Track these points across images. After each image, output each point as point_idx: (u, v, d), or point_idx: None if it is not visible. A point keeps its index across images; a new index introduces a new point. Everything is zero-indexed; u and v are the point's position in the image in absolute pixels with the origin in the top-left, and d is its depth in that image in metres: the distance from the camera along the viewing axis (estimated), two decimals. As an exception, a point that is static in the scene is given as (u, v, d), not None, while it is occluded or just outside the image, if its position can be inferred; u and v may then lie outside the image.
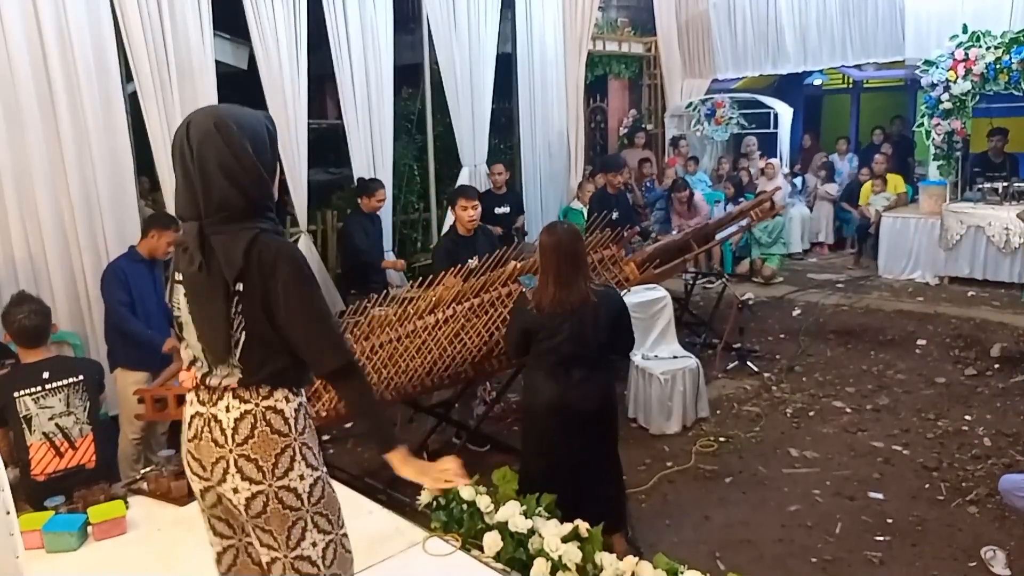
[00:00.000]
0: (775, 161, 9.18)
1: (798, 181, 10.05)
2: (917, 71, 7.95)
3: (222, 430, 1.85)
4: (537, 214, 8.17)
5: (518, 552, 2.71)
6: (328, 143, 7.95)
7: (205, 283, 1.82)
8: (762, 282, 8.22)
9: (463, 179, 7.32)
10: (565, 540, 2.65)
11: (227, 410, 1.86)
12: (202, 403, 1.90)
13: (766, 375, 5.82)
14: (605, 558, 2.63)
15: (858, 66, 9.97)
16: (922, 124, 7.97)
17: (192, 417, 1.93)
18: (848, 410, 5.17)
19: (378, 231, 6.13)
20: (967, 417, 4.95)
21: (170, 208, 5.06)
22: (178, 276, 1.91)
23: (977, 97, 7.53)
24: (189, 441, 1.93)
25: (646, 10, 10.32)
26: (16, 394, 3.24)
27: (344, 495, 3.02)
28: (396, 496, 3.87)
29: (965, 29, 7.44)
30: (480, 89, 7.45)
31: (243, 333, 1.82)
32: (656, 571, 2.58)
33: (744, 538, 3.71)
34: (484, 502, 2.91)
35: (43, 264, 4.70)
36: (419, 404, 4.56)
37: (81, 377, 3.38)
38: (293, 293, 1.82)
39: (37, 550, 2.73)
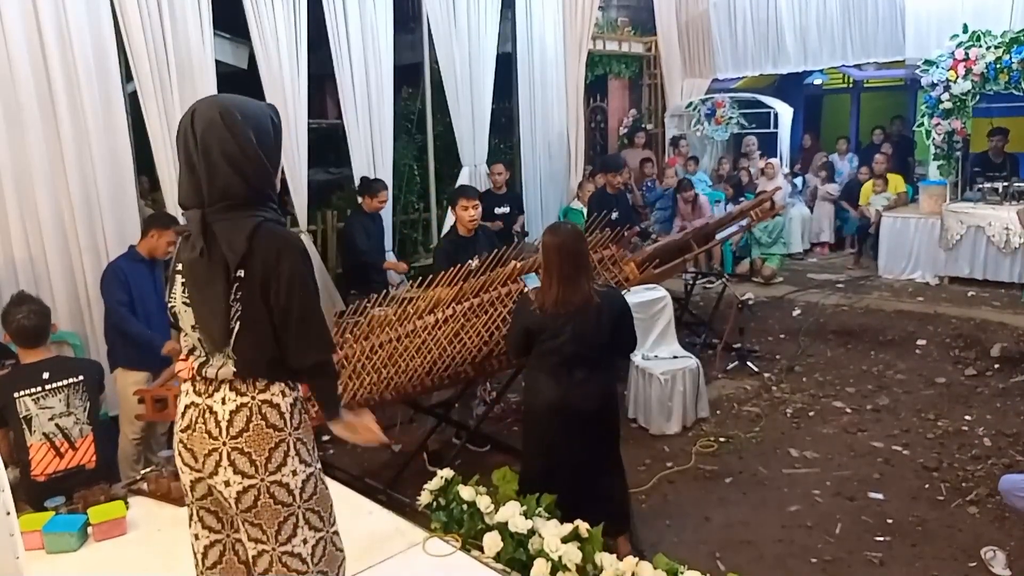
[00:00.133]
0: (775, 161, 9.18)
1: (798, 181, 10.05)
2: (917, 71, 7.95)
3: (217, 422, 1.85)
4: (537, 214, 8.17)
5: (518, 552, 2.71)
6: (328, 143, 7.95)
7: (206, 269, 1.84)
8: (762, 282, 8.22)
9: (463, 179, 7.31)
10: (565, 540, 2.65)
11: (223, 402, 1.86)
12: (198, 394, 1.91)
13: (766, 375, 5.82)
14: (605, 558, 2.63)
15: (858, 66, 9.96)
16: (922, 124, 7.97)
17: (187, 407, 1.93)
18: (848, 410, 5.17)
19: (379, 231, 6.13)
20: (967, 417, 4.95)
21: (170, 208, 5.06)
22: (178, 267, 1.92)
23: (977, 97, 7.53)
24: (182, 431, 1.92)
25: (646, 10, 10.32)
26: (16, 394, 3.24)
27: (344, 495, 3.04)
28: (396, 496, 3.88)
29: (965, 29, 7.44)
30: (480, 89, 7.44)
31: (239, 322, 1.83)
32: (656, 571, 2.58)
33: (744, 538, 3.71)
34: (484, 502, 2.91)
35: (43, 264, 4.69)
36: (419, 404, 4.56)
37: (81, 377, 3.38)
38: (296, 282, 1.83)
39: (37, 551, 2.73)
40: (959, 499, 3.97)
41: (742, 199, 8.38)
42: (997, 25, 7.46)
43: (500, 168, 6.89)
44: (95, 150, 4.82)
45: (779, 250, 8.52)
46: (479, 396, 5.09)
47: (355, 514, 2.92)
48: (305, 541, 1.90)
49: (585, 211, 7.19)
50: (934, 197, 8.01)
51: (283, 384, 1.90)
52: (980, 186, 7.76)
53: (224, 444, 1.84)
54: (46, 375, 3.30)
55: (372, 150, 6.60)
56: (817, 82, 11.94)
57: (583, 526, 2.72)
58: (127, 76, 5.06)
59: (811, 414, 5.13)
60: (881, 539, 3.65)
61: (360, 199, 5.98)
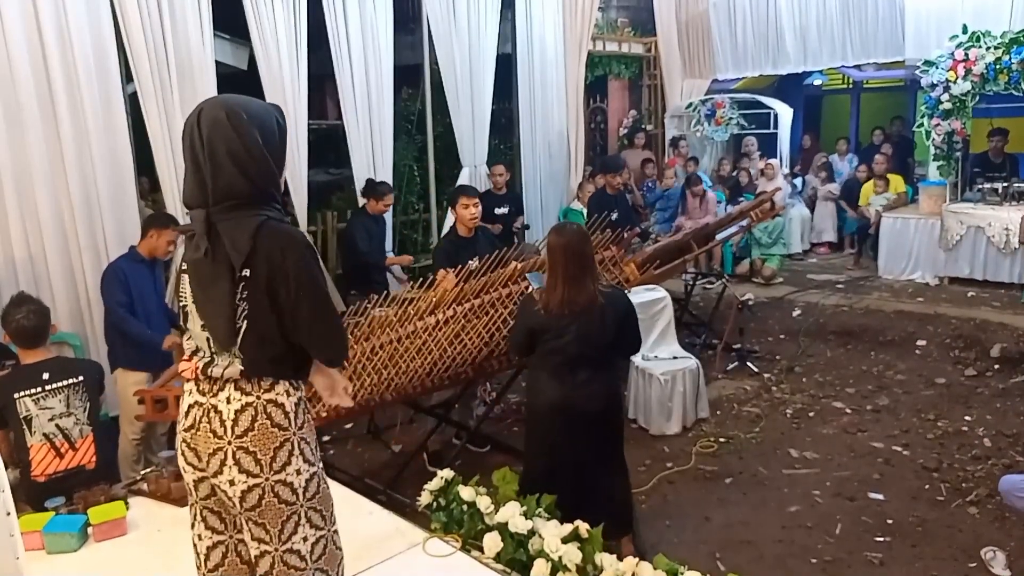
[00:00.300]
0: (775, 161, 9.18)
1: (798, 182, 10.05)
2: (917, 71, 7.95)
3: (222, 421, 1.86)
4: (537, 215, 8.17)
5: (518, 553, 2.72)
6: (328, 143, 7.95)
7: (211, 269, 1.84)
8: (762, 282, 8.22)
9: (463, 179, 7.31)
10: (565, 541, 2.65)
11: (228, 401, 1.86)
12: (202, 393, 1.91)
13: (766, 376, 5.82)
14: (605, 559, 2.63)
15: (858, 66, 9.96)
16: (922, 124, 7.97)
17: (190, 407, 1.93)
18: (848, 411, 5.17)
19: (381, 232, 6.12)
20: (967, 418, 4.95)
21: (171, 208, 5.07)
22: (184, 266, 1.92)
23: (977, 97, 7.53)
24: (185, 431, 1.92)
25: (646, 10, 10.32)
26: (16, 395, 3.24)
27: (344, 496, 3.04)
28: (396, 497, 3.88)
29: (965, 29, 7.44)
30: (480, 89, 7.45)
31: (245, 320, 1.83)
32: (656, 572, 2.58)
33: (744, 539, 3.71)
34: (484, 503, 2.91)
35: (43, 264, 4.69)
36: (419, 405, 4.56)
37: (81, 378, 3.38)
38: (303, 280, 1.85)
39: (37, 551, 2.73)
40: (959, 499, 3.97)
41: (740, 199, 8.39)
42: (997, 25, 7.46)
43: (501, 169, 6.90)
44: (95, 150, 4.82)
45: (779, 251, 8.52)
46: (479, 396, 5.09)
47: (355, 514, 2.92)
48: (305, 539, 1.91)
49: (585, 212, 7.20)
50: (934, 197, 8.02)
51: (288, 383, 1.91)
52: (980, 187, 7.76)
53: (229, 443, 1.85)
54: (46, 376, 3.30)
55: (372, 151, 6.60)
56: (817, 83, 11.94)
57: (583, 526, 2.72)
58: (127, 76, 5.06)
59: (811, 414, 5.13)
60: (881, 539, 3.65)
61: (364, 201, 5.98)
